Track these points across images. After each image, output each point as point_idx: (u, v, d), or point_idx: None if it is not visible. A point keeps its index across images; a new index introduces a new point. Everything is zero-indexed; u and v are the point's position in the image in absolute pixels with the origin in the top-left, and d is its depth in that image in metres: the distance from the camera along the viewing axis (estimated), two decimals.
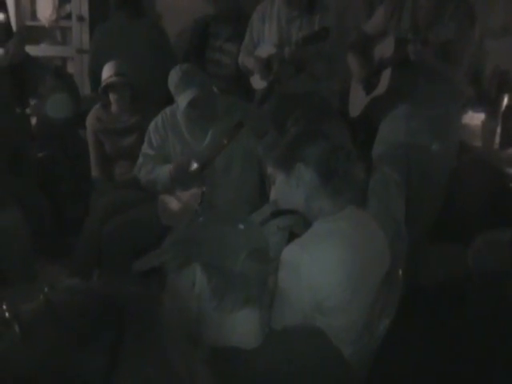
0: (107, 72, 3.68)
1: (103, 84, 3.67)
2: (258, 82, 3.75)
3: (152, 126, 3.41)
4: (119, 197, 3.60)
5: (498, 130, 3.77)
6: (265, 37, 3.78)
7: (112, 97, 3.71)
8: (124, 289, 0.82)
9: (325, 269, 1.93)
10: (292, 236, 2.09)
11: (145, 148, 3.43)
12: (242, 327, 1.50)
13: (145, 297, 0.81)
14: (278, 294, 1.95)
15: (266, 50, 3.69)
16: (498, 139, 3.76)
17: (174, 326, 0.81)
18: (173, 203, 3.34)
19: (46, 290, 0.81)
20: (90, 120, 3.84)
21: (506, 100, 3.99)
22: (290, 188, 2.06)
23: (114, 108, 3.77)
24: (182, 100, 3.14)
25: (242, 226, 1.53)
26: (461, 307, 2.95)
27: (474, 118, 4.09)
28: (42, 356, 0.77)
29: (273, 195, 2.16)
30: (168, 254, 1.54)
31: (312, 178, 2.02)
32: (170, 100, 3.37)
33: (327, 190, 2.03)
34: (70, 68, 5.09)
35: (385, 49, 3.36)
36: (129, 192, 3.60)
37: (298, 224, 2.13)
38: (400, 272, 2.13)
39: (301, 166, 2.02)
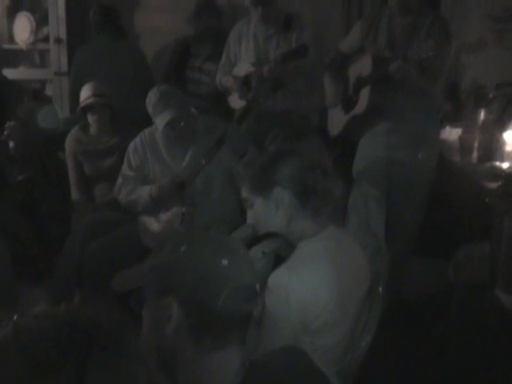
0: (86, 93, 3.68)
1: (82, 105, 3.67)
2: (235, 102, 3.76)
3: (131, 147, 3.41)
4: (99, 218, 3.58)
5: (476, 144, 3.80)
6: (242, 56, 3.80)
7: (91, 118, 3.70)
8: (92, 315, 0.81)
9: (314, 290, 1.93)
10: (277, 259, 2.08)
11: (124, 169, 3.43)
12: (220, 368, 1.39)
13: (113, 323, 0.81)
14: (266, 320, 1.94)
15: (243, 68, 3.71)
16: (475, 153, 3.78)
17: (143, 353, 0.80)
18: (153, 224, 3.33)
19: (15, 317, 0.80)
20: (69, 142, 3.83)
21: (482, 114, 4.02)
22: (270, 212, 2.04)
23: (93, 129, 3.77)
24: (160, 121, 3.15)
25: (225, 262, 1.40)
26: (443, 321, 2.96)
27: (452, 133, 4.12)
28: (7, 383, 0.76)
29: (250, 219, 2.14)
30: (147, 278, 1.45)
31: (291, 199, 2.01)
32: (150, 121, 3.37)
33: (307, 210, 2.02)
34: (49, 90, 5.07)
35: (362, 67, 3.39)
36: (109, 213, 3.58)
37: (282, 247, 2.12)
38: (380, 288, 2.13)
39: (279, 190, 2.01)
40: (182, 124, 3.16)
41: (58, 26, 4.86)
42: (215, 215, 3.23)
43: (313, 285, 1.93)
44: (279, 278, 1.96)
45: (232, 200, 3.32)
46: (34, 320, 0.81)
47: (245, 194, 2.10)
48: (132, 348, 0.80)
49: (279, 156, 2.09)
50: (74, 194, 3.85)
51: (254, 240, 2.20)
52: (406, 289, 3.50)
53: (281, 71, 3.51)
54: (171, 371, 1.39)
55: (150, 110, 3.22)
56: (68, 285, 3.41)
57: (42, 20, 4.97)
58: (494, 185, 3.27)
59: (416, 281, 3.58)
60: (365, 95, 3.33)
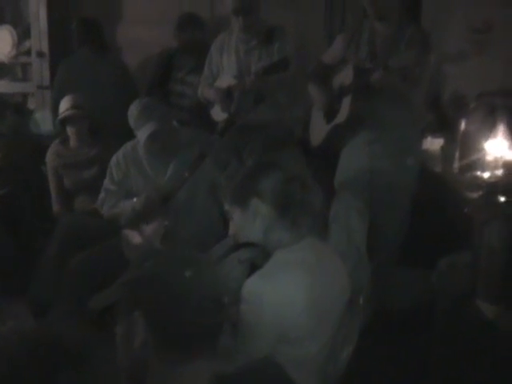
0: (64, 105, 3.70)
1: (60, 117, 3.68)
2: (218, 114, 3.77)
3: (113, 160, 3.40)
4: (79, 220, 3.60)
5: (457, 154, 3.82)
6: (224, 68, 3.80)
7: (70, 130, 3.71)
8: (58, 332, 0.80)
9: (288, 298, 1.93)
10: (253, 268, 2.09)
11: (106, 183, 3.42)
12: (190, 381, 1.39)
13: (79, 341, 0.80)
14: (242, 330, 1.94)
15: (225, 81, 3.71)
16: (457, 163, 3.81)
17: (113, 370, 0.79)
18: (136, 237, 3.31)
19: None
20: (49, 155, 3.84)
21: (463, 124, 4.05)
22: (247, 222, 2.07)
23: (72, 142, 3.77)
24: (142, 134, 3.15)
25: (188, 275, 1.39)
26: (426, 331, 2.96)
27: (434, 143, 4.14)
28: None
29: (231, 230, 2.17)
30: (117, 294, 1.46)
31: (268, 211, 2.03)
32: (133, 134, 3.36)
33: (285, 222, 2.03)
34: (31, 104, 5.05)
35: (344, 77, 3.41)
36: (89, 217, 3.60)
37: (258, 256, 2.13)
38: (361, 299, 2.13)
39: (256, 201, 2.03)
40: (164, 137, 3.16)
41: (40, 39, 4.86)
42: (198, 228, 3.22)
43: (287, 293, 1.93)
44: (253, 285, 1.97)
45: (215, 212, 3.31)
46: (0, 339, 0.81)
47: (226, 206, 2.12)
48: (101, 366, 0.80)
49: (258, 168, 2.12)
50: (55, 207, 3.86)
51: (233, 249, 2.22)
52: (390, 299, 3.50)
53: (262, 84, 3.52)
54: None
55: (131, 123, 3.22)
56: (45, 291, 3.41)
57: (23, 33, 4.96)
58: (475, 194, 3.29)
59: (400, 291, 3.58)
60: (346, 104, 3.34)
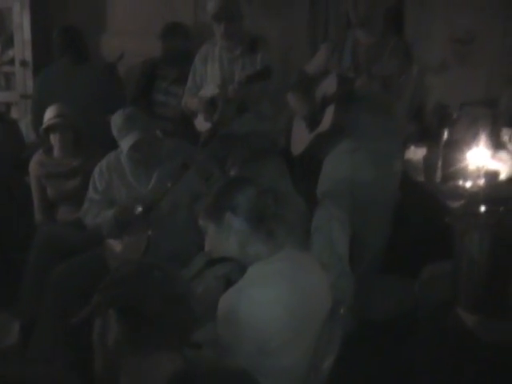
0: (49, 114, 3.70)
1: (44, 125, 3.67)
2: (201, 124, 3.77)
3: (96, 170, 3.39)
4: (57, 231, 3.61)
5: (440, 163, 3.84)
6: (208, 78, 3.80)
7: (53, 139, 3.70)
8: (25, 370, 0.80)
9: (265, 311, 1.93)
10: (229, 284, 2.10)
11: (90, 193, 3.41)
12: (152, 372, 1.54)
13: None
14: (220, 344, 1.94)
15: (209, 90, 3.72)
16: (439, 173, 3.83)
17: None
18: (119, 247, 3.31)
19: None
20: (32, 165, 3.82)
21: (446, 134, 4.08)
22: (222, 237, 2.08)
23: (56, 151, 3.76)
24: (125, 143, 3.15)
25: (157, 273, 1.61)
26: (409, 340, 2.97)
27: (417, 153, 4.17)
28: None
29: (206, 245, 2.17)
30: (96, 299, 1.60)
31: (242, 225, 2.05)
32: (115, 144, 3.36)
33: (260, 235, 2.05)
34: (14, 113, 5.04)
35: (327, 86, 3.42)
36: (67, 228, 3.61)
37: (234, 271, 2.14)
38: (342, 310, 2.13)
39: (230, 215, 2.04)
40: (147, 147, 3.16)
41: (23, 48, 4.86)
42: (181, 238, 3.21)
43: (262, 304, 1.93)
44: (228, 299, 1.98)
45: (198, 223, 3.31)
46: None
47: (200, 221, 2.13)
48: None
49: (231, 184, 2.14)
50: (37, 217, 3.84)
51: (209, 265, 2.22)
52: (373, 308, 3.51)
53: (245, 93, 3.53)
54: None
55: (114, 132, 3.22)
56: (31, 300, 3.40)
57: (7, 43, 4.96)
58: (457, 204, 3.31)
59: (382, 300, 3.60)
60: (329, 113, 3.36)
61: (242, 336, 1.91)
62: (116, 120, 3.19)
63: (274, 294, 1.96)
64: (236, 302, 1.93)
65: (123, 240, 3.31)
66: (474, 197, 3.23)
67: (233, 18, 3.59)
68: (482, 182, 3.68)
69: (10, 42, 4.93)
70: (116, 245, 3.32)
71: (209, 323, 1.93)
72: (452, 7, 4.89)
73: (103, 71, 4.54)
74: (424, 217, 3.76)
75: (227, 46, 3.69)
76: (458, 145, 3.91)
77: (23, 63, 4.84)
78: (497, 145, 4.10)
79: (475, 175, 3.75)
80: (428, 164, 3.88)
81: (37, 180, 3.81)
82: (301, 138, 3.56)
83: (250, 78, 3.49)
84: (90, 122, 3.93)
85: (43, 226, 3.71)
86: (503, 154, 4.04)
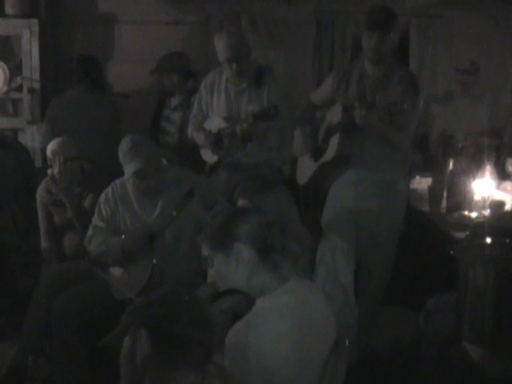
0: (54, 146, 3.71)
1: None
2: (208, 154, 3.78)
3: (102, 197, 3.40)
4: (66, 268, 3.56)
5: (445, 193, 3.84)
6: (213, 108, 3.83)
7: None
8: None
9: (272, 344, 1.92)
10: (236, 317, 2.08)
11: (95, 220, 3.41)
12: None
13: None
14: (228, 377, 1.93)
15: (215, 123, 3.73)
16: (444, 203, 3.82)
17: None
18: (123, 276, 3.30)
19: None
20: (39, 192, 3.84)
21: (451, 164, 4.09)
22: (230, 268, 2.06)
23: None
24: (129, 170, 3.17)
25: (186, 298, 1.75)
26: (413, 372, 2.95)
27: (422, 183, 4.17)
28: None
29: (210, 277, 2.15)
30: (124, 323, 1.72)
31: (251, 255, 2.03)
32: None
33: (267, 266, 2.04)
34: (21, 140, 5.06)
35: (332, 116, 3.44)
36: (75, 263, 3.56)
37: (240, 304, 2.12)
38: (347, 341, 2.12)
39: (239, 245, 2.03)
40: (150, 175, 3.17)
41: (31, 75, 4.89)
42: (186, 267, 3.21)
43: (271, 341, 1.93)
44: (237, 334, 1.97)
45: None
46: None
47: (205, 251, 2.11)
48: None
49: (237, 213, 2.13)
50: (44, 244, 3.83)
51: (214, 297, 2.21)
52: (377, 340, 3.49)
53: (252, 130, 3.55)
54: None
55: (121, 158, 3.24)
56: (34, 337, 3.37)
57: (15, 69, 4.99)
58: (462, 234, 3.30)
59: (387, 332, 3.58)
60: (334, 143, 3.36)
61: (249, 369, 1.91)
62: (123, 145, 3.21)
63: (283, 329, 1.95)
64: (244, 336, 1.93)
65: (128, 268, 3.30)
66: (478, 227, 3.22)
67: (244, 57, 3.64)
68: (487, 212, 3.68)
69: (18, 69, 4.97)
70: (120, 273, 3.31)
71: (215, 355, 1.92)
72: (456, 39, 4.94)
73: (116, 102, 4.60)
74: (429, 248, 3.75)
75: (235, 80, 3.72)
76: (463, 175, 3.91)
77: (31, 90, 4.88)
78: (502, 175, 4.11)
79: (480, 205, 3.75)
80: (433, 194, 3.88)
81: (44, 207, 3.82)
82: (306, 168, 3.56)
83: (257, 117, 3.51)
84: (100, 150, 3.96)
85: (48, 269, 3.67)
86: (508, 185, 4.04)
